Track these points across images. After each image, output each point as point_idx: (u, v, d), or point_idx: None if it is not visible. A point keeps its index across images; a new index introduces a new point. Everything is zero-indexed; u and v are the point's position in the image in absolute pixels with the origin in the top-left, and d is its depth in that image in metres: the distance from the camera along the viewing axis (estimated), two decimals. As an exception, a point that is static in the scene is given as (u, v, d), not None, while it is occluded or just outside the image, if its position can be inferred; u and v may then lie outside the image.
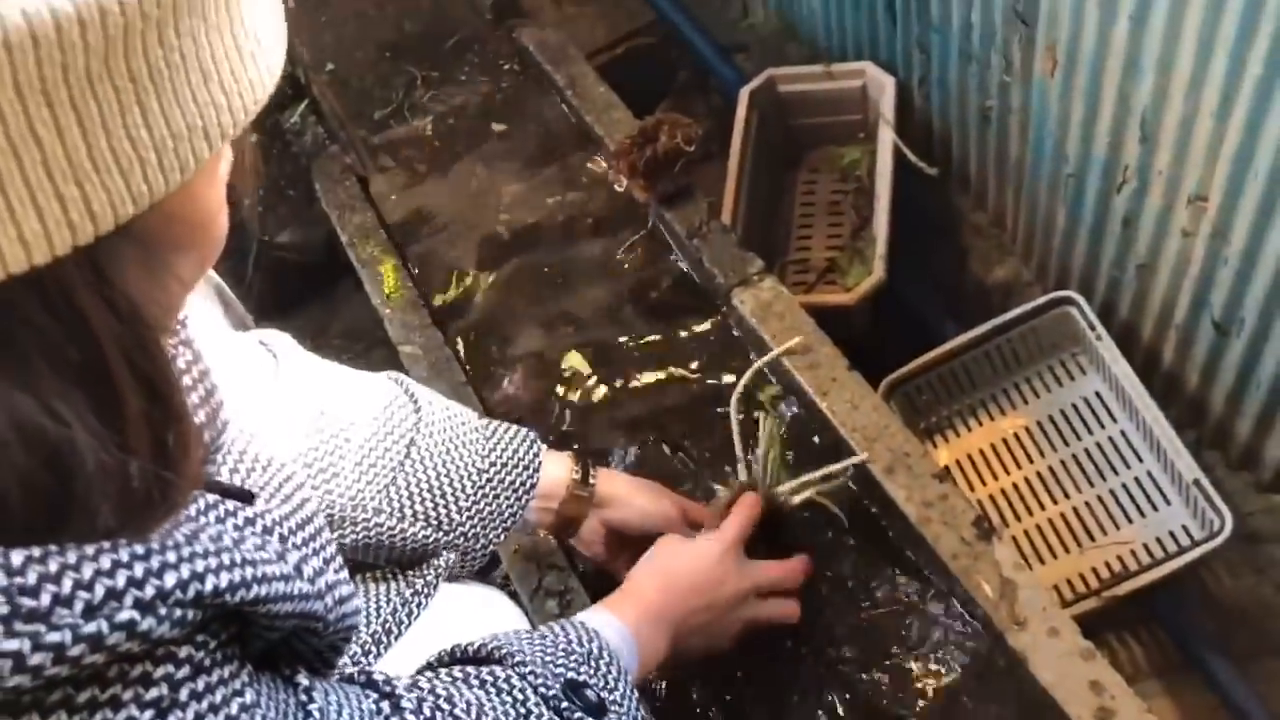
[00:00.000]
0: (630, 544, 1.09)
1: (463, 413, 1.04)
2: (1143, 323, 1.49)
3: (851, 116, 1.81)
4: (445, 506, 0.97)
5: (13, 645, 0.39)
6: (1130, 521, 1.44)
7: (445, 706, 0.68)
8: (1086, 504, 1.47)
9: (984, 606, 1.07)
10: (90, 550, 0.42)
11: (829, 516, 1.19)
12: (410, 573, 0.98)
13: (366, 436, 0.95)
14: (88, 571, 0.41)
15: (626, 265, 1.49)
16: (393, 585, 0.98)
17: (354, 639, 0.66)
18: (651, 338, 1.41)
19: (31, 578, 0.40)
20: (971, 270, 1.76)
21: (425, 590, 0.98)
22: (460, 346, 1.44)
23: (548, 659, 0.78)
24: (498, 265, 1.53)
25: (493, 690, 0.73)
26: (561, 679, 0.77)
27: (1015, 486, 1.52)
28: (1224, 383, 1.40)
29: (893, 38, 1.70)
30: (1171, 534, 1.41)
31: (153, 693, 0.44)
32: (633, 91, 1.74)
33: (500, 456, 1.01)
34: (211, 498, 0.53)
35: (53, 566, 0.40)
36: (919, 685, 1.09)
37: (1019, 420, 1.57)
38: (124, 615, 0.42)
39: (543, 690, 0.74)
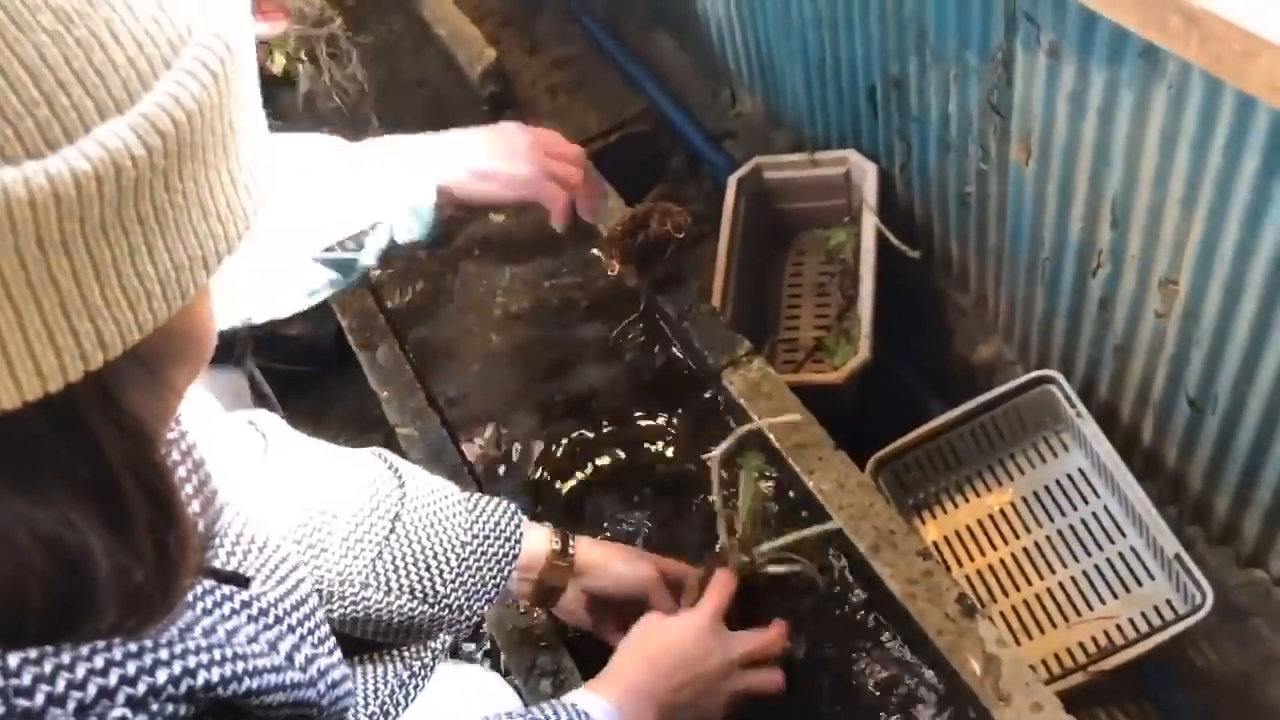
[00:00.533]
0: (613, 608, 1.12)
1: (445, 486, 1.07)
2: (1122, 401, 1.53)
3: (836, 201, 1.86)
4: (431, 580, 0.99)
5: None
6: (1115, 596, 1.47)
7: None
8: (1072, 579, 1.50)
9: (969, 682, 1.09)
10: (85, 650, 0.44)
11: (809, 587, 1.22)
12: (408, 654, 1.00)
13: (353, 512, 0.98)
14: (81, 671, 0.43)
15: (623, 345, 1.54)
16: (390, 667, 1.00)
17: (351, 713, 0.67)
18: (647, 418, 1.45)
19: (27, 679, 0.42)
20: (956, 349, 1.81)
21: (423, 672, 1.00)
22: (457, 428, 1.47)
23: None
24: (496, 349, 1.57)
25: None
26: None
27: (1002, 562, 1.55)
28: (1201, 458, 1.43)
29: (874, 127, 1.77)
30: (1156, 609, 1.43)
31: None
32: (626, 178, 1.80)
33: (483, 529, 1.04)
34: (207, 583, 0.55)
35: (47, 668, 0.42)
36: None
37: (1004, 496, 1.60)
38: (116, 713, 0.43)
39: None
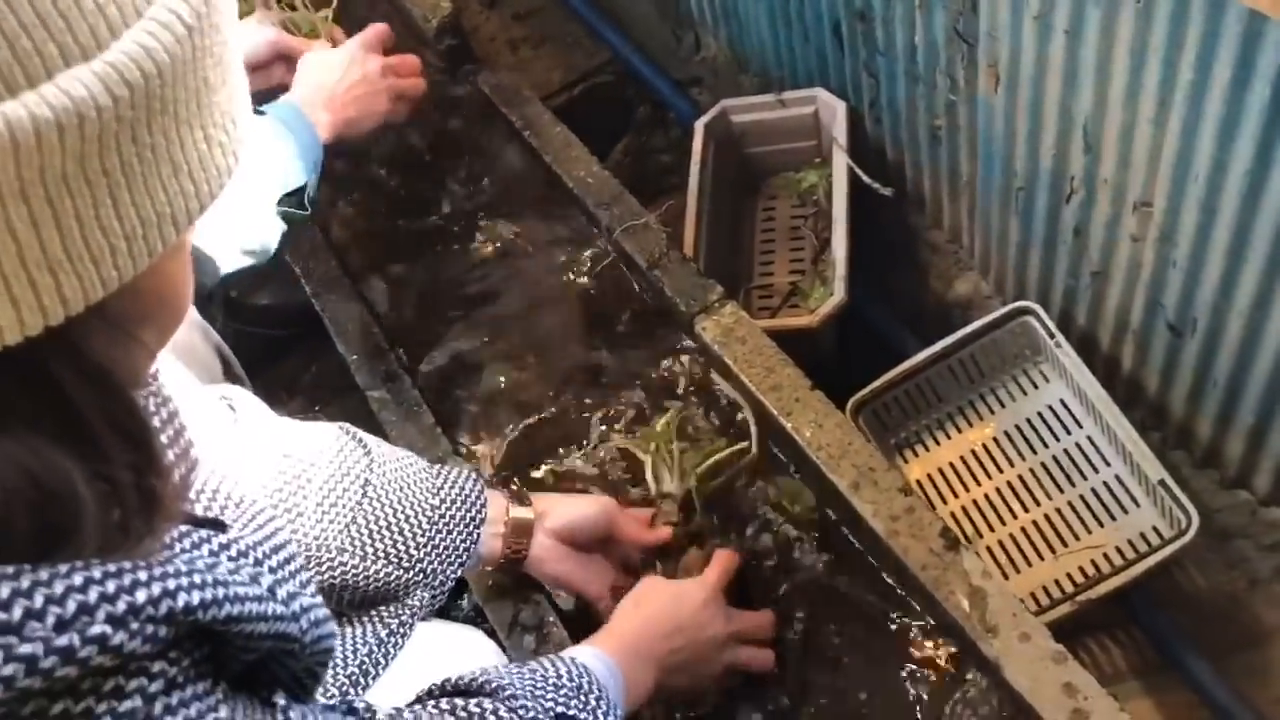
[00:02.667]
0: (587, 562, 1.12)
1: (408, 455, 1.08)
2: (1100, 329, 1.51)
3: (806, 142, 1.83)
4: (405, 543, 0.99)
5: None
6: (1101, 525, 1.46)
7: None
8: (1057, 510, 1.49)
9: (955, 616, 1.08)
10: (63, 568, 0.43)
11: (800, 536, 1.21)
12: (386, 613, 0.99)
13: (325, 479, 0.97)
14: (59, 587, 0.42)
15: (592, 292, 1.51)
16: (369, 627, 0.98)
17: (331, 672, 0.66)
18: (615, 365, 1.43)
19: (4, 592, 0.41)
20: (932, 287, 1.79)
21: (401, 630, 0.98)
22: (428, 390, 1.45)
23: (537, 692, 0.79)
24: (462, 305, 1.55)
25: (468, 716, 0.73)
26: (551, 713, 0.78)
27: (986, 497, 1.54)
28: (1183, 383, 1.42)
29: (841, 64, 1.74)
30: (1142, 535, 1.43)
31: (126, 705, 0.44)
32: (594, 130, 1.76)
33: (449, 494, 1.04)
34: (185, 527, 0.54)
35: (25, 583, 0.42)
36: (895, 697, 1.10)
37: (986, 431, 1.59)
38: (95, 629, 0.42)
39: None
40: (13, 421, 0.41)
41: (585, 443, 1.36)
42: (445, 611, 1.25)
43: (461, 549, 1.04)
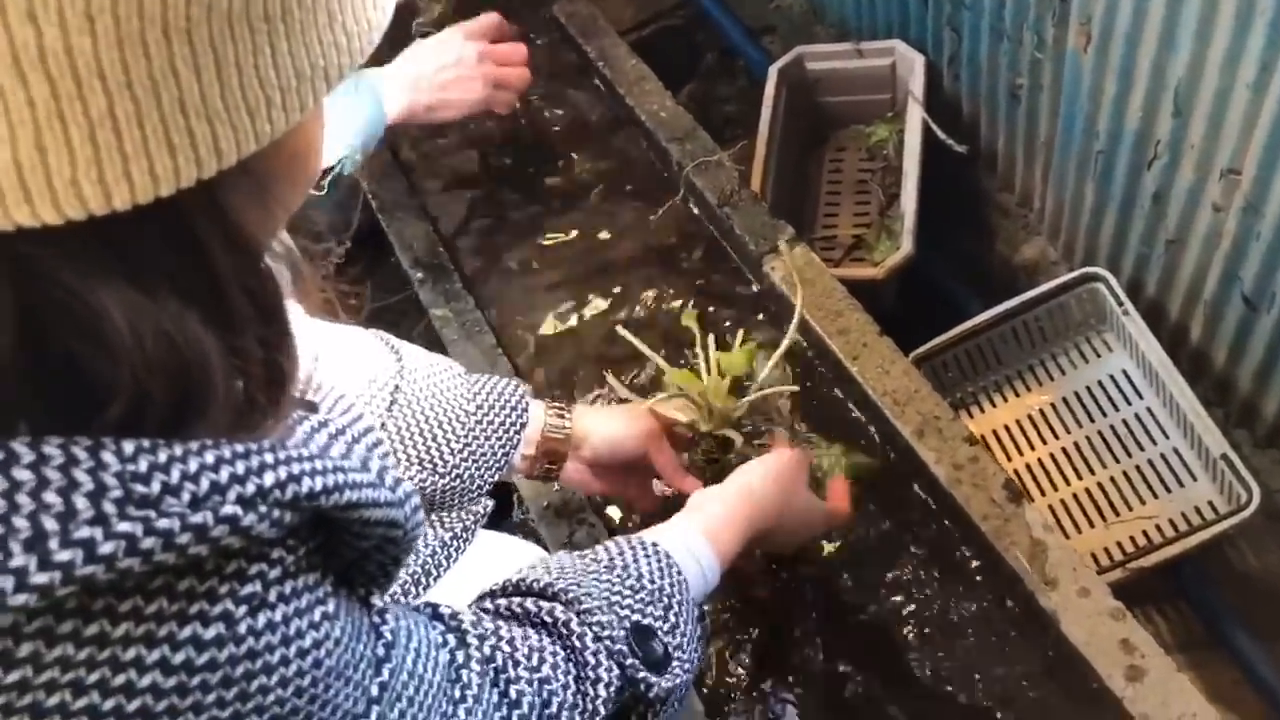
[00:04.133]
0: (619, 477, 1.10)
1: (444, 361, 1.04)
2: (1171, 299, 1.49)
3: (880, 95, 1.81)
4: (438, 448, 0.97)
5: (126, 527, 0.40)
6: (1156, 497, 1.45)
7: (506, 649, 0.68)
8: (1112, 479, 1.48)
9: (1014, 567, 1.08)
10: (195, 446, 0.43)
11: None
12: (448, 519, 0.99)
13: (357, 389, 0.95)
14: (194, 465, 0.42)
15: (659, 230, 1.50)
16: (432, 530, 0.98)
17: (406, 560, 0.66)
18: (680, 302, 1.42)
19: (143, 465, 0.41)
20: (998, 250, 1.77)
21: (464, 534, 0.98)
22: (491, 311, 1.45)
23: (613, 599, 0.76)
24: (529, 229, 1.54)
25: (554, 636, 0.73)
26: (628, 623, 0.75)
27: (1040, 462, 1.53)
28: (1252, 359, 1.40)
29: (923, 17, 1.71)
30: (1197, 509, 1.41)
31: (248, 589, 0.45)
32: (659, 73, 1.75)
33: (486, 399, 1.01)
34: None
35: (162, 457, 0.42)
36: (948, 644, 1.10)
37: (1044, 397, 1.57)
38: (227, 509, 0.43)
39: (606, 643, 0.73)
40: (156, 281, 0.41)
41: (639, 373, 1.35)
42: (496, 524, 1.24)
43: (499, 454, 1.01)
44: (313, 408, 0.56)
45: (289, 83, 0.42)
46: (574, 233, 1.53)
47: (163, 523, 0.40)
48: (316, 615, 0.48)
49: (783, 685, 1.10)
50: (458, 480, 0.98)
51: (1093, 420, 1.53)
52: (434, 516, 0.99)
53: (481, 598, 0.79)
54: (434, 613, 0.67)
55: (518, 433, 1.03)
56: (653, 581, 0.79)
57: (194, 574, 0.43)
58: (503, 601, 0.76)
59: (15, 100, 0.36)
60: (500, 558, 1.05)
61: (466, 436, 0.98)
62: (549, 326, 1.43)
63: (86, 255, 0.39)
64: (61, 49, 0.36)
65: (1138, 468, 1.47)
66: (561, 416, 1.07)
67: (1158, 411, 1.49)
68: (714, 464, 1.16)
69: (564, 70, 1.74)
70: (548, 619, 0.74)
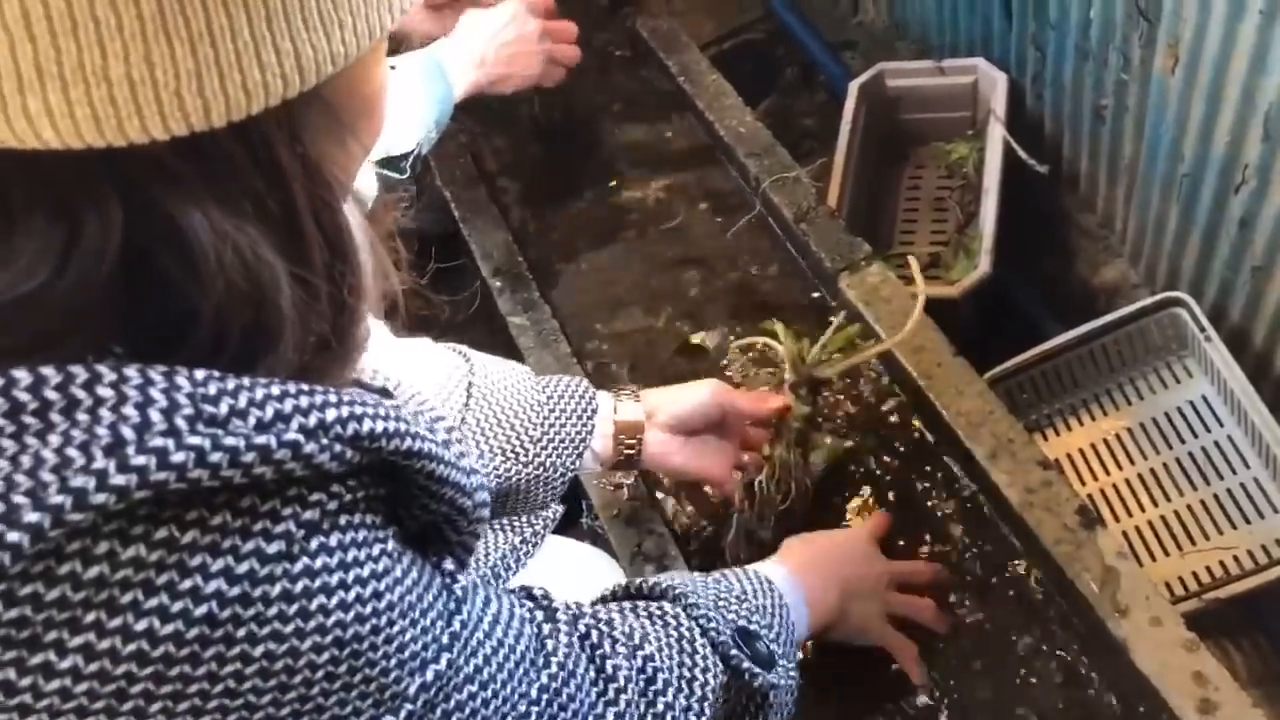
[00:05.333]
0: (704, 447, 1.10)
1: (510, 362, 1.07)
2: (1256, 326, 1.47)
3: (960, 113, 1.81)
4: (518, 438, 0.98)
5: (196, 440, 0.43)
6: (1234, 527, 1.42)
7: (603, 628, 0.70)
8: (1189, 507, 1.45)
9: (1085, 594, 1.07)
10: (262, 379, 0.46)
11: (931, 509, 1.20)
12: (518, 523, 1.01)
13: (432, 390, 0.97)
14: (260, 393, 0.45)
15: (736, 245, 1.51)
16: (501, 534, 1.00)
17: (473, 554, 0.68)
18: (753, 319, 1.43)
19: (212, 389, 0.44)
20: (1077, 271, 1.75)
21: (534, 539, 1.00)
22: (567, 320, 1.47)
23: (720, 603, 0.79)
24: (606, 241, 1.56)
25: (659, 623, 0.75)
26: (733, 625, 0.78)
27: (1115, 487, 1.51)
28: (1339, 390, 1.37)
29: (1007, 35, 1.70)
30: (1277, 541, 1.38)
31: (308, 514, 0.47)
32: (739, 87, 1.76)
33: (555, 390, 1.03)
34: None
35: (230, 384, 0.45)
36: (1016, 671, 1.09)
37: (1121, 421, 1.55)
38: (290, 436, 0.45)
39: (712, 634, 0.75)
40: (240, 206, 0.44)
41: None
42: (563, 530, 1.26)
43: (577, 439, 1.03)
44: (386, 394, 0.58)
45: (358, 6, 0.45)
46: (650, 244, 1.55)
47: (229, 440, 0.43)
48: (375, 550, 0.50)
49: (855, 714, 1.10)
50: (541, 469, 1.00)
51: (1171, 447, 1.51)
52: (503, 521, 1.01)
53: (594, 601, 0.81)
54: (527, 593, 0.70)
55: (591, 417, 1.04)
56: (756, 597, 0.82)
57: (255, 492, 0.46)
58: (612, 604, 0.78)
59: (128, 16, 0.39)
60: (569, 563, 1.07)
61: (544, 425, 1.00)
62: (624, 336, 1.45)
63: (181, 176, 0.43)
64: None
65: (1216, 497, 1.44)
66: (625, 392, 1.09)
67: (1238, 440, 1.46)
68: (805, 423, 1.16)
69: (645, 83, 1.76)
70: (655, 611, 0.77)
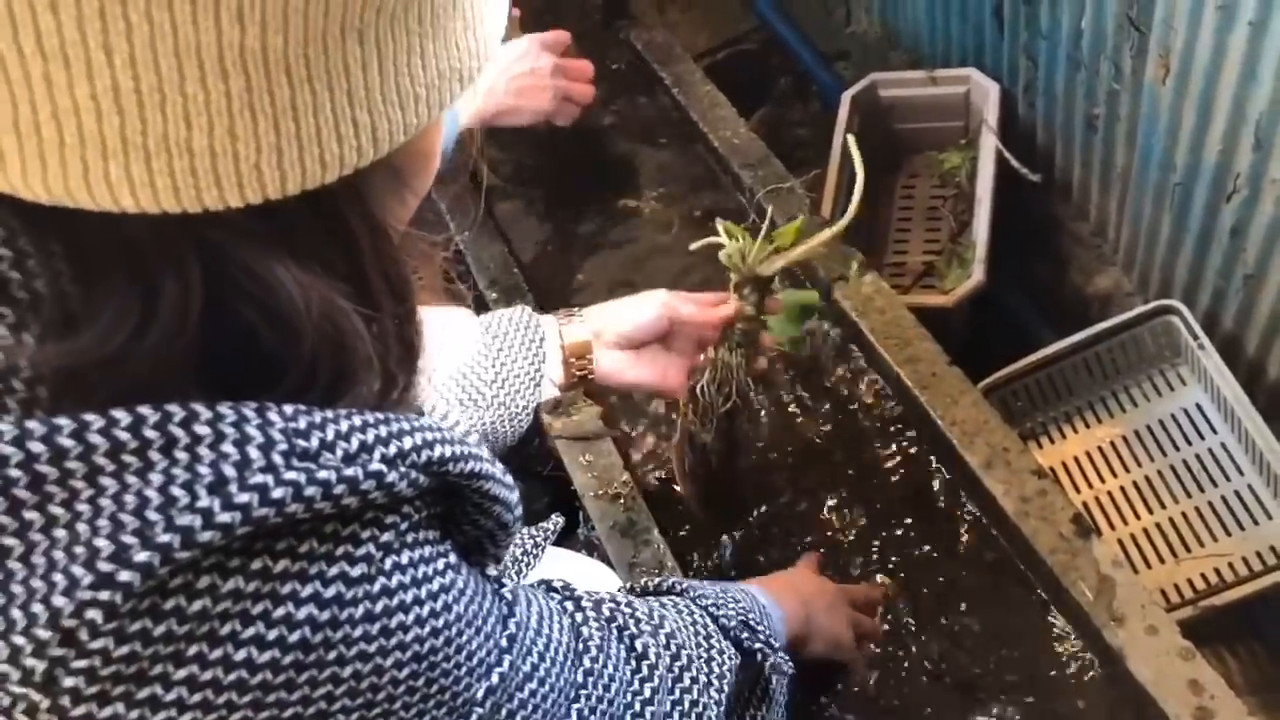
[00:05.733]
0: (655, 359, 1.09)
1: (446, 309, 1.09)
2: (1248, 334, 1.47)
3: (953, 123, 1.81)
4: (471, 384, 0.99)
5: (293, 475, 0.44)
6: (1229, 534, 1.42)
7: (626, 610, 0.73)
8: (1184, 515, 1.46)
9: (1080, 602, 1.07)
10: (344, 412, 0.47)
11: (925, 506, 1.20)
12: (521, 534, 1.01)
13: None
14: (344, 425, 0.46)
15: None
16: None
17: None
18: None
19: (302, 424, 0.45)
20: (1071, 280, 1.76)
21: (534, 550, 1.01)
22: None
23: (722, 599, 0.84)
24: (602, 252, 1.57)
25: (673, 610, 0.78)
26: (736, 618, 0.83)
27: (1110, 495, 1.51)
28: (1332, 397, 1.38)
29: (999, 45, 1.71)
30: (1272, 548, 1.39)
31: (385, 536, 0.49)
32: (732, 97, 1.77)
33: (499, 326, 1.03)
34: None
35: (318, 418, 0.46)
36: (1011, 678, 1.09)
37: (1115, 429, 1.56)
38: (374, 466, 0.46)
39: (723, 621, 0.80)
40: (312, 262, 0.46)
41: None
42: (561, 540, 1.26)
43: (531, 370, 1.03)
44: (418, 412, 0.59)
45: (433, 80, 0.46)
46: (645, 255, 1.56)
47: (322, 474, 0.45)
48: (440, 565, 0.52)
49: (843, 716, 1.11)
50: (501, 408, 1.01)
51: (1165, 454, 1.51)
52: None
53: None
54: (548, 587, 0.72)
55: (540, 346, 1.04)
56: (745, 599, 0.87)
57: (337, 519, 0.47)
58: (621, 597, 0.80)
59: (216, 93, 0.40)
60: (569, 576, 1.06)
61: (495, 366, 1.01)
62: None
63: (260, 237, 0.44)
64: (259, 46, 0.40)
65: (1210, 504, 1.45)
66: (571, 314, 1.09)
67: (1232, 448, 1.47)
68: (749, 323, 1.14)
69: (639, 96, 1.76)
70: (667, 601, 0.80)
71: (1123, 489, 1.51)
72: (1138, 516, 1.49)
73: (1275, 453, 1.36)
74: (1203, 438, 1.50)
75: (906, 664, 1.12)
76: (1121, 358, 1.55)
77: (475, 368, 1.00)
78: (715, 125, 1.61)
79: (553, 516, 1.02)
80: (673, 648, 0.74)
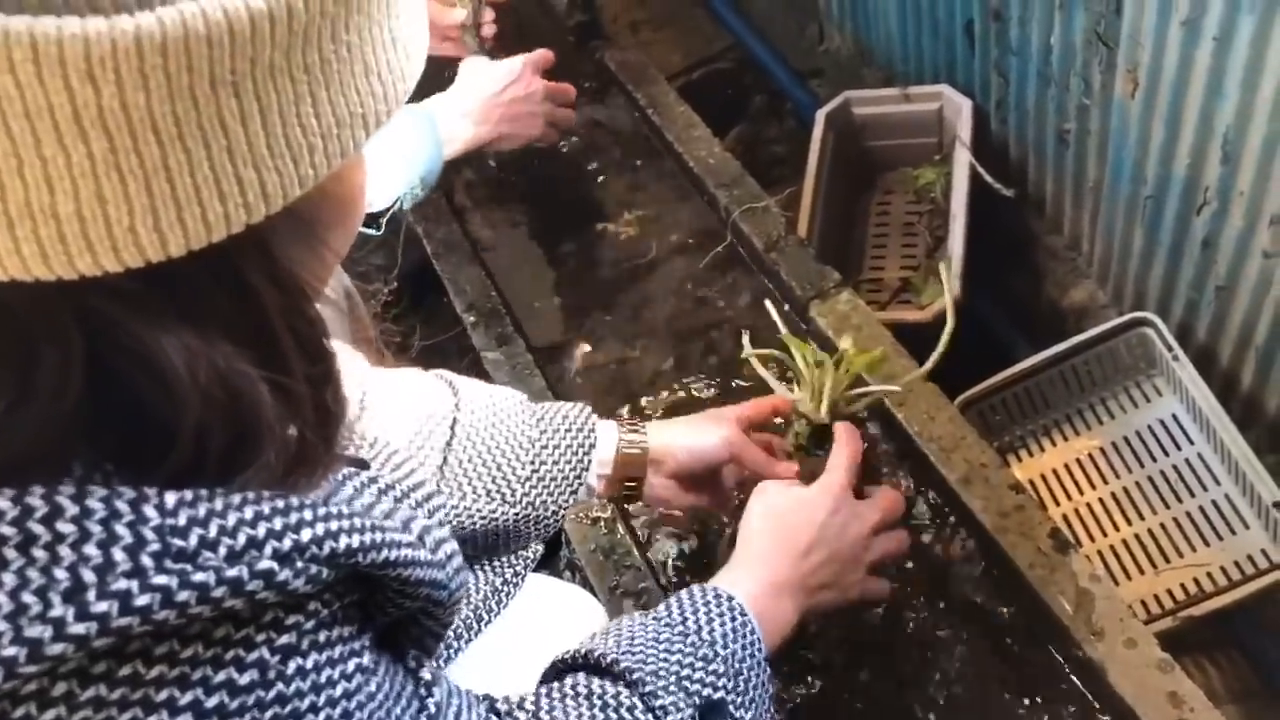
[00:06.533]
0: (704, 488, 1.06)
1: (504, 390, 1.02)
2: (1222, 345, 1.48)
3: (927, 139, 1.83)
4: (504, 478, 0.95)
5: (162, 580, 0.41)
6: (1207, 544, 1.43)
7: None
8: (1162, 525, 1.46)
9: (1060, 617, 1.08)
10: (236, 499, 0.44)
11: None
12: (499, 564, 1.00)
13: (414, 427, 0.95)
14: (232, 519, 0.44)
15: (705, 277, 1.52)
16: (482, 575, 1.00)
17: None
18: (728, 350, 1.44)
19: (182, 519, 0.43)
20: (1046, 293, 1.77)
21: (515, 580, 1.00)
22: (541, 354, 1.47)
23: (683, 676, 0.75)
24: (579, 274, 1.57)
25: (603, 714, 0.71)
26: (698, 698, 0.74)
27: (1089, 506, 1.52)
28: (1305, 406, 1.39)
29: (970, 62, 1.72)
30: (1249, 557, 1.40)
31: (283, 639, 0.46)
32: (706, 116, 1.78)
33: (550, 424, 0.99)
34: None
35: (201, 511, 0.43)
36: (992, 696, 1.09)
37: (1092, 441, 1.57)
38: (263, 565, 0.44)
39: (662, 699, 0.72)
40: (209, 324, 0.43)
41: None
42: (544, 567, 1.26)
43: (571, 478, 0.99)
44: (363, 465, 0.58)
45: (330, 129, 0.44)
46: (623, 277, 1.56)
47: (199, 576, 0.42)
48: (350, 666, 0.49)
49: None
50: (530, 509, 0.96)
51: (1142, 465, 1.52)
52: (484, 562, 1.01)
53: (550, 669, 0.78)
54: (490, 706, 0.67)
55: (587, 454, 1.00)
56: (726, 648, 0.77)
57: (230, 622, 0.44)
58: (569, 680, 0.74)
59: (77, 155, 0.38)
60: (550, 603, 1.06)
61: (534, 463, 0.97)
62: (599, 368, 1.46)
63: (145, 301, 0.42)
64: (118, 105, 0.38)
65: (1188, 514, 1.46)
66: (636, 432, 1.03)
67: (1208, 458, 1.48)
68: (806, 455, 1.07)
69: (613, 117, 1.77)
70: (611, 702, 0.72)
71: (1101, 501, 1.52)
72: (1116, 528, 1.49)
73: (1251, 463, 1.37)
74: (1179, 448, 1.51)
75: (883, 678, 1.12)
76: (1098, 370, 1.56)
77: (512, 460, 0.96)
78: (690, 145, 1.62)
79: (533, 545, 1.02)
80: None
